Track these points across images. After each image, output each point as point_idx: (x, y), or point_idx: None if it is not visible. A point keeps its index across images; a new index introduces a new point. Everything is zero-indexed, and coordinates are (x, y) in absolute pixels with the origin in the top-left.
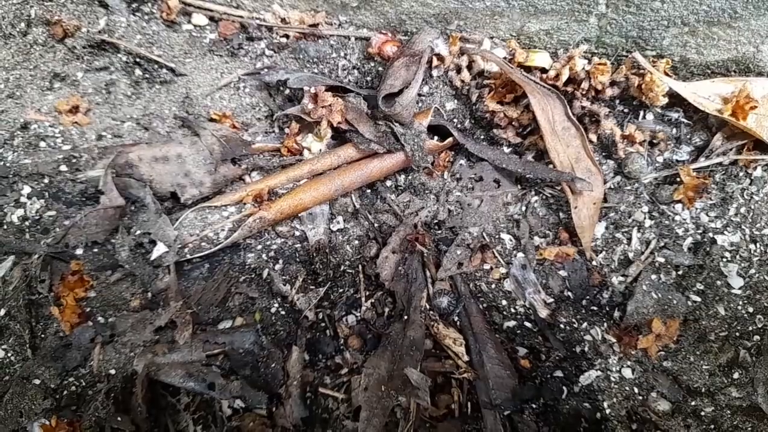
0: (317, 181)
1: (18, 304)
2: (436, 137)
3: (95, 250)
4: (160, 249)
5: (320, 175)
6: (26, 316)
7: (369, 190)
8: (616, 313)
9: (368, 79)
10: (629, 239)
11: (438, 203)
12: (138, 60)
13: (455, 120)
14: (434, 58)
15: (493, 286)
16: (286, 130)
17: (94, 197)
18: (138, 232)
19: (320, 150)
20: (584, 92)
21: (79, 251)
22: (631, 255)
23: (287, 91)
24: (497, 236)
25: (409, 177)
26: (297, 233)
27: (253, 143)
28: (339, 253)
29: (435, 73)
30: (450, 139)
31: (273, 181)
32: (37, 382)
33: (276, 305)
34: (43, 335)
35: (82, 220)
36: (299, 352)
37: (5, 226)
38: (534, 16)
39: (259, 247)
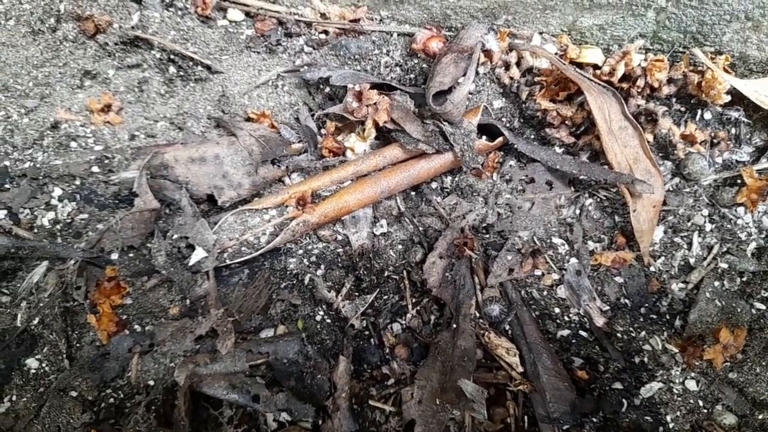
0: (362, 182)
1: (53, 312)
2: (484, 137)
3: (131, 255)
4: (198, 254)
5: (365, 177)
6: (62, 325)
7: (414, 192)
8: (677, 322)
9: (411, 76)
10: (689, 244)
11: (487, 206)
12: (172, 57)
13: (503, 119)
14: (481, 55)
15: (545, 293)
16: (323, 130)
17: (128, 200)
18: (175, 236)
19: (364, 150)
20: (640, 90)
21: (114, 256)
22: (692, 261)
23: (327, 89)
24: (549, 240)
25: (456, 178)
26: (339, 237)
27: (292, 143)
28: (382, 258)
29: (481, 70)
30: (500, 139)
31: (316, 183)
32: (74, 394)
33: (321, 313)
34: (78, 344)
35: (117, 224)
36: (346, 363)
37: (36, 230)
38: (588, 10)
39: (300, 251)
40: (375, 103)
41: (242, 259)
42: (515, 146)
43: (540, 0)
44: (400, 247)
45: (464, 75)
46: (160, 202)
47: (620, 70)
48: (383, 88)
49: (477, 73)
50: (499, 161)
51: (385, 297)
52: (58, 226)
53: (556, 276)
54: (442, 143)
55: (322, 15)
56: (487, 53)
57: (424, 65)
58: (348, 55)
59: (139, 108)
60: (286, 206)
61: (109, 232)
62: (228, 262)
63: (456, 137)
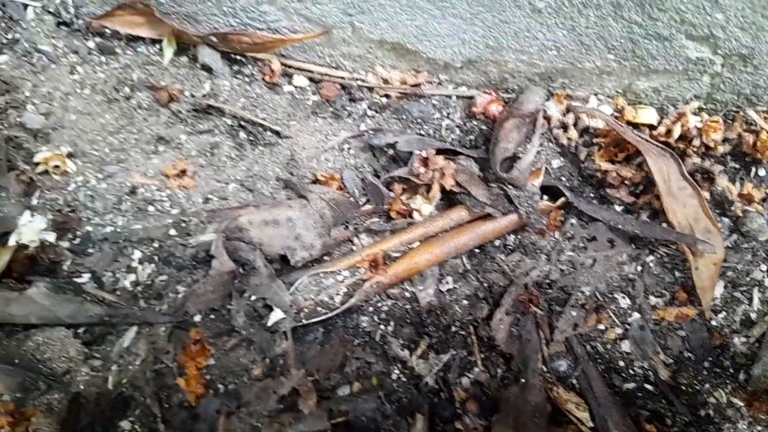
0: (431, 243)
1: (146, 376)
2: (545, 196)
3: (212, 316)
4: (276, 315)
5: (433, 238)
6: (154, 389)
7: (478, 250)
8: (741, 376)
9: (471, 137)
10: (750, 299)
11: (549, 263)
12: (242, 123)
13: (562, 178)
14: (543, 121)
15: (609, 346)
16: (391, 193)
17: (205, 261)
18: (252, 297)
19: (431, 212)
20: (695, 149)
21: (196, 318)
22: (753, 315)
23: (391, 152)
24: (610, 295)
25: (519, 237)
26: (407, 294)
27: (361, 205)
28: (449, 314)
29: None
30: (562, 200)
31: (386, 244)
32: None
33: (396, 371)
34: (167, 405)
35: (200, 287)
36: (423, 421)
37: (118, 292)
38: (644, 75)
39: (371, 309)
40: (441, 168)
41: (318, 319)
42: (578, 206)
43: (597, 66)
44: (465, 302)
45: (527, 140)
46: (234, 262)
47: (677, 131)
48: (447, 152)
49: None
50: (560, 220)
51: (454, 352)
52: (139, 288)
53: (619, 330)
54: (507, 206)
55: (385, 80)
56: (546, 116)
57: (484, 127)
58: (410, 119)
59: (210, 171)
60: (359, 267)
61: (193, 296)
62: (304, 322)
63: (521, 200)
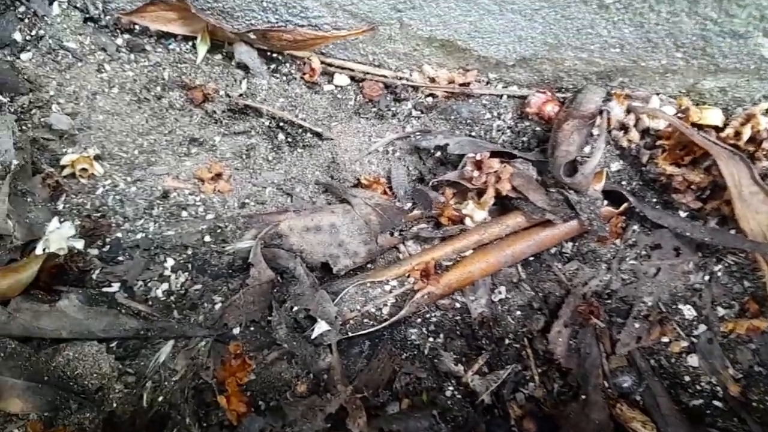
0: (486, 252)
1: (184, 394)
2: (606, 202)
3: (251, 328)
4: (321, 327)
5: (487, 245)
6: (193, 407)
7: (532, 258)
8: None
9: (524, 139)
10: None
11: (610, 272)
12: (280, 124)
13: (623, 182)
14: (604, 122)
15: (674, 360)
16: (441, 198)
17: (242, 269)
18: (294, 307)
19: (484, 218)
20: (766, 152)
21: (235, 331)
22: None
23: (438, 154)
24: (675, 307)
25: (577, 244)
26: (457, 305)
27: (408, 211)
28: (501, 326)
29: (596, 131)
30: (625, 205)
31: (438, 252)
32: None
33: (450, 387)
34: (206, 424)
35: (239, 298)
36: None
37: (151, 302)
38: (712, 74)
39: (419, 320)
40: (496, 172)
41: (365, 331)
42: (641, 212)
43: (662, 64)
44: (518, 313)
45: (588, 144)
46: (273, 270)
47: (746, 133)
48: (501, 155)
49: (591, 134)
50: (622, 226)
51: (508, 366)
52: (172, 298)
53: (685, 343)
54: (568, 212)
55: (432, 79)
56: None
57: (537, 128)
58: (459, 120)
59: (246, 174)
60: (408, 277)
61: (231, 307)
62: (350, 334)
63: (582, 206)
